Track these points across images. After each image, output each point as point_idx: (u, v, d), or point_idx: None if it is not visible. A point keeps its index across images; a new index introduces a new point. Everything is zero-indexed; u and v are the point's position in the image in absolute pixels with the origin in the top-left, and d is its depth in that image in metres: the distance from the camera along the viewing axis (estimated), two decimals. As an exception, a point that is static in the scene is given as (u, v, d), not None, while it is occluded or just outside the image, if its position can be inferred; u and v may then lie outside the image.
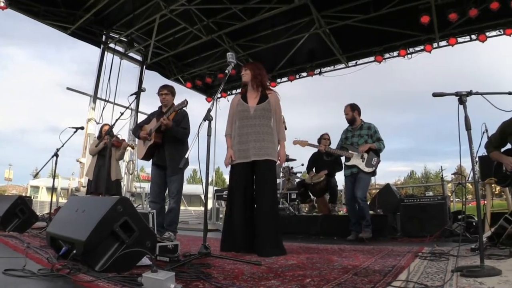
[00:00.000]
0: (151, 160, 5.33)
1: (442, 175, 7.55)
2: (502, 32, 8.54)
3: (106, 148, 6.81)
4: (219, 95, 12.61)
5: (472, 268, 2.49)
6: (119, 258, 2.49)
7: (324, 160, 6.77)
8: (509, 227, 3.99)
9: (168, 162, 5.08)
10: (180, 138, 5.09)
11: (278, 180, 11.30)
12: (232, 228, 4.04)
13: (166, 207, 5.37)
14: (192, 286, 2.13)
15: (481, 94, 2.86)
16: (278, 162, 4.28)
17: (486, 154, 4.36)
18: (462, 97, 2.72)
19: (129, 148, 9.82)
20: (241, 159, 4.15)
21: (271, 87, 4.61)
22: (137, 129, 5.42)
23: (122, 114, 4.74)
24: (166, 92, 5.32)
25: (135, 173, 10.97)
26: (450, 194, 7.41)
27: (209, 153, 3.39)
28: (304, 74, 11.03)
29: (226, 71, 3.87)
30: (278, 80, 11.49)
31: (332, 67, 10.86)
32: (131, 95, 4.85)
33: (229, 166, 4.27)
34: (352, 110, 6.00)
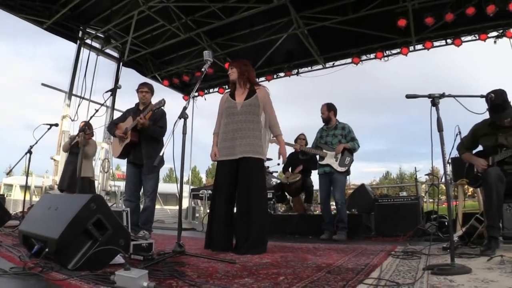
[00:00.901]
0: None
1: (416, 176, 7.70)
2: (477, 37, 8.77)
3: (77, 145, 6.73)
4: (196, 94, 12.56)
5: (442, 266, 2.55)
6: (92, 256, 2.47)
7: (300, 159, 6.82)
8: (480, 227, 4.10)
9: (145, 161, 5.04)
10: (156, 137, 5.05)
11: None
12: (216, 226, 3.99)
13: (141, 206, 5.32)
14: (165, 284, 2.12)
15: (454, 96, 2.92)
16: (279, 160, 4.43)
17: (458, 155, 4.46)
18: (434, 99, 2.78)
19: (104, 146, 9.72)
20: (226, 156, 4.09)
21: (259, 83, 4.53)
22: (112, 127, 5.36)
23: (97, 111, 4.67)
24: (146, 90, 5.28)
25: (110, 172, 10.82)
26: (423, 195, 7.54)
27: (184, 151, 3.37)
28: (282, 74, 11.07)
29: (203, 70, 3.80)
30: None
31: (309, 68, 10.93)
32: (107, 92, 4.77)
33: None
34: (328, 109, 6.08)
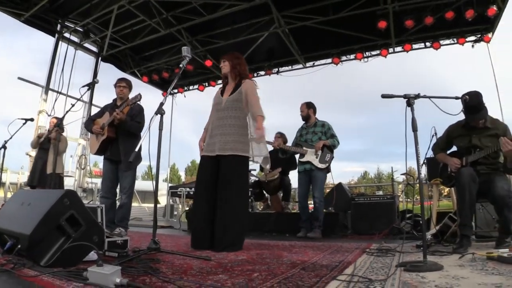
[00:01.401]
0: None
1: (392, 175, 7.80)
2: (456, 41, 8.93)
3: (47, 141, 6.62)
4: (175, 91, 12.48)
5: (415, 263, 2.60)
6: (65, 252, 2.43)
7: (279, 157, 6.84)
8: (453, 226, 4.19)
9: (122, 157, 4.98)
10: (134, 133, 5.00)
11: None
12: (196, 223, 3.99)
13: (118, 203, 5.27)
14: (139, 281, 2.09)
15: (429, 97, 2.97)
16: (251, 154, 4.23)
17: (433, 156, 4.54)
18: (410, 100, 2.83)
19: (81, 142, 9.57)
20: (207, 152, 4.06)
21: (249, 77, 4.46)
22: (89, 123, 5.29)
23: (73, 105, 4.59)
24: (124, 85, 5.24)
25: (87, 168, 10.67)
26: (399, 194, 7.66)
27: (160, 147, 3.35)
28: (262, 72, 11.07)
29: (181, 66, 3.74)
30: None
31: (290, 67, 10.96)
32: (83, 86, 4.70)
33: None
34: (308, 107, 6.14)
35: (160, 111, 3.30)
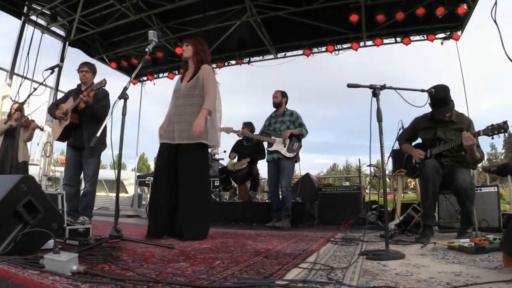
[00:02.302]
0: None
1: (359, 167, 7.91)
2: (425, 38, 9.05)
3: (15, 128, 6.39)
4: (145, 78, 12.27)
5: (377, 252, 2.64)
6: (22, 240, 2.34)
7: (245, 146, 6.81)
8: (416, 216, 4.28)
9: (86, 144, 4.85)
10: (99, 117, 4.86)
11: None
12: (155, 212, 3.88)
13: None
14: (97, 268, 2.04)
15: (395, 89, 3.00)
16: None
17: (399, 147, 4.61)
18: (375, 90, 2.84)
19: (46, 129, 9.28)
20: (167, 140, 3.95)
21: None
22: (52, 108, 5.15)
23: (35, 89, 4.45)
24: (86, 69, 5.10)
25: (53, 156, 10.38)
26: (366, 185, 7.76)
27: (123, 132, 3.27)
28: (233, 62, 10.97)
29: (147, 50, 3.65)
30: (207, 66, 11.33)
31: (261, 57, 10.89)
32: (46, 70, 4.55)
33: None
34: (282, 96, 6.13)
35: (123, 96, 3.22)
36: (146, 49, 3.66)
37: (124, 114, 3.25)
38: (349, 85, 2.96)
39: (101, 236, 3.37)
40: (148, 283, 1.69)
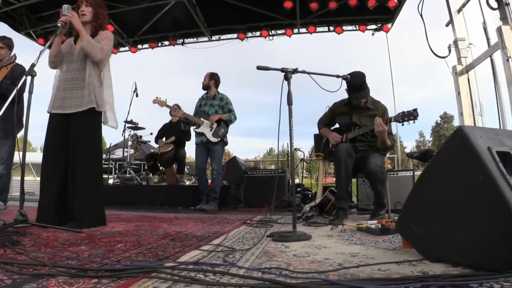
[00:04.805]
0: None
1: (288, 151, 8.03)
2: (357, 28, 9.31)
3: None
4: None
5: (284, 234, 2.68)
6: None
7: (173, 129, 6.69)
8: (333, 199, 4.43)
9: (1, 124, 4.56)
10: (5, 95, 4.54)
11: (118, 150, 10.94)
12: (46, 196, 3.36)
13: None
14: (-9, 253, 1.96)
15: (308, 73, 3.05)
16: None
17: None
18: (287, 74, 2.87)
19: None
20: (56, 109, 3.44)
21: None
22: None
23: None
24: (1, 45, 4.79)
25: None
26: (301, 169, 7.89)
27: (30, 111, 3.09)
28: (167, 42, 10.71)
29: (59, 24, 3.44)
30: (139, 46, 10.95)
31: (195, 39, 10.72)
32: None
33: None
34: (210, 78, 6.08)
35: (30, 73, 3.03)
36: (58, 24, 3.42)
37: (30, 92, 3.07)
38: (259, 68, 2.95)
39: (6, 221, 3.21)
40: (36, 267, 1.64)
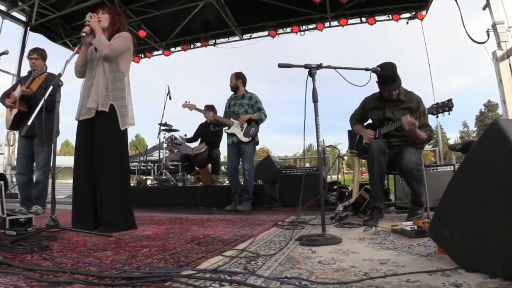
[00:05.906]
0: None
1: (323, 148, 7.90)
2: (390, 18, 9.08)
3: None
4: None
5: (312, 237, 2.59)
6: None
7: (209, 131, 6.70)
8: (368, 198, 4.26)
9: (37, 132, 4.72)
10: (46, 107, 4.68)
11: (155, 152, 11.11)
12: (78, 201, 3.45)
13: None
14: (19, 259, 2.03)
15: (334, 68, 2.95)
16: None
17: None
18: (311, 70, 2.77)
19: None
20: (83, 116, 3.48)
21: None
22: (4, 97, 5.07)
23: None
24: (36, 56, 4.98)
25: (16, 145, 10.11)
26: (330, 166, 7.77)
27: (58, 120, 3.16)
28: (199, 44, 10.79)
29: (83, 34, 3.49)
30: (172, 49, 11.11)
31: (226, 39, 10.74)
32: (-10, 57, 4.38)
33: None
34: (236, 78, 6.05)
35: (57, 82, 3.09)
36: (83, 34, 3.49)
37: (58, 101, 3.14)
38: (280, 65, 2.87)
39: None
40: (56, 273, 1.69)
